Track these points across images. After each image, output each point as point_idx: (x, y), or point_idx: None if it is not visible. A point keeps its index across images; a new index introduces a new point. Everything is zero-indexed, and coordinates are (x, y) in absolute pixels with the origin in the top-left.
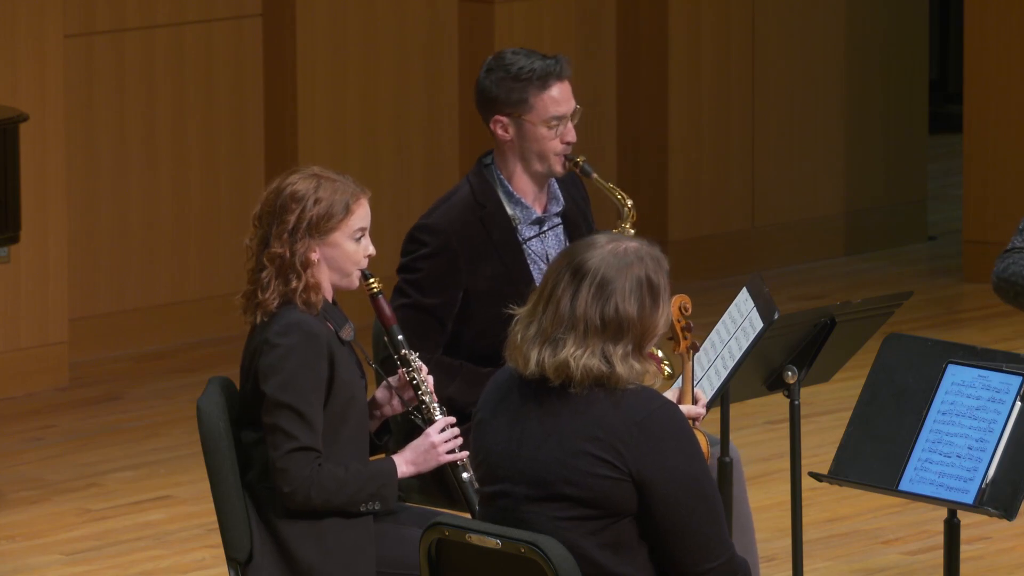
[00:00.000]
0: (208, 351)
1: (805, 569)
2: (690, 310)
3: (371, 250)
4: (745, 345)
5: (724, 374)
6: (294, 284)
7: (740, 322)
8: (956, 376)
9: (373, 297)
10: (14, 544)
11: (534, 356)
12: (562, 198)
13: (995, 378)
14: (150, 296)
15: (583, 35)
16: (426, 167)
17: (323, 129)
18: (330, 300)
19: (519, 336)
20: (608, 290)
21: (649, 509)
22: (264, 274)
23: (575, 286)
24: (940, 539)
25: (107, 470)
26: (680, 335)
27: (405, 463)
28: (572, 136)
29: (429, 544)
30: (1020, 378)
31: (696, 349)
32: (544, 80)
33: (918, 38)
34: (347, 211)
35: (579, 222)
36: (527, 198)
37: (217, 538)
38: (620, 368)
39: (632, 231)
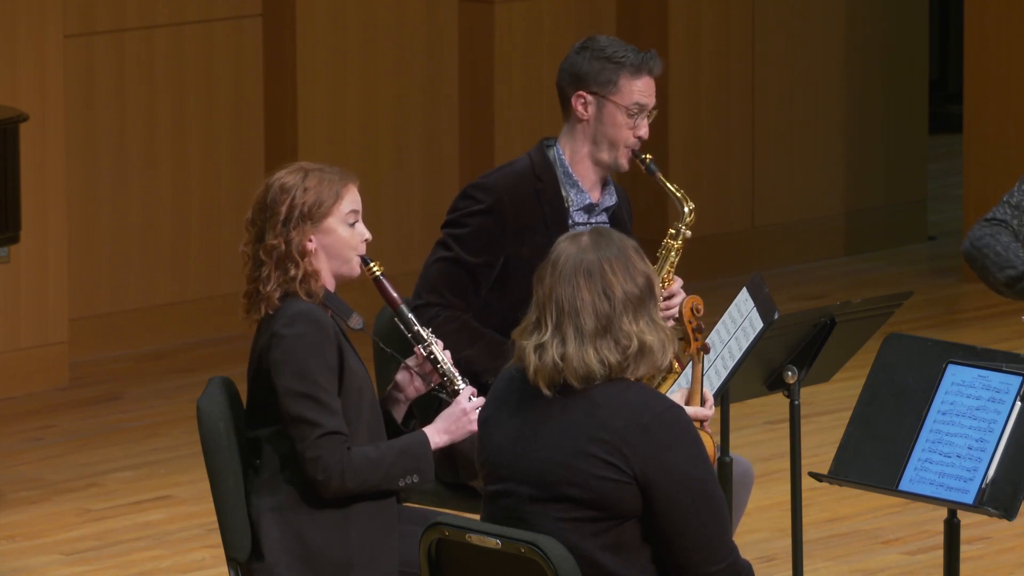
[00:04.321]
0: (208, 351)
1: (805, 569)
2: (702, 311)
3: (367, 235)
4: (745, 345)
5: (724, 374)
6: (292, 272)
7: (740, 322)
8: (956, 376)
9: (376, 280)
10: (14, 544)
11: (593, 357)
12: (616, 196)
13: (995, 378)
14: (150, 296)
15: (583, 35)
16: (426, 167)
17: (323, 129)
18: (331, 290)
19: (555, 357)
20: (630, 264)
21: (653, 511)
22: (263, 269)
23: (600, 281)
24: (940, 539)
25: (107, 470)
26: (691, 336)
27: (438, 433)
28: (645, 131)
29: (429, 544)
30: (1020, 378)
31: (707, 350)
32: (637, 68)
33: (918, 38)
34: (337, 197)
35: (622, 227)
36: (585, 183)
37: (217, 538)
38: (663, 326)
39: (689, 233)
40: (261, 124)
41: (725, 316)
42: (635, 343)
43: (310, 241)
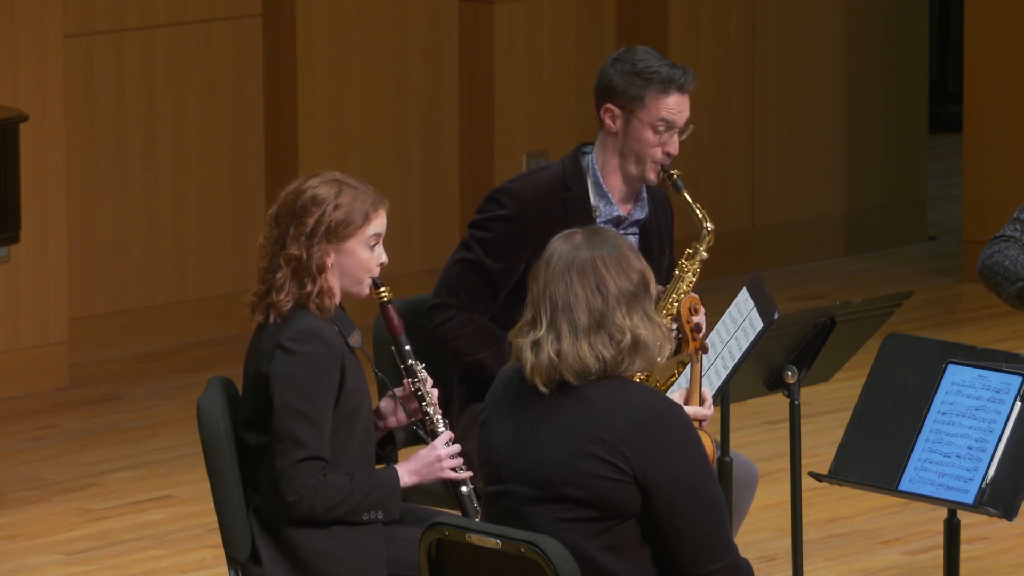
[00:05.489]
0: (208, 351)
1: (805, 569)
2: (700, 311)
3: (384, 258)
4: (745, 345)
5: (724, 374)
6: (309, 288)
7: (740, 322)
8: (956, 376)
9: (383, 306)
10: (14, 544)
11: (588, 352)
12: (647, 208)
13: (995, 378)
14: (150, 296)
15: (583, 35)
16: (426, 167)
17: (323, 129)
18: (339, 305)
19: (551, 353)
20: (624, 260)
21: (652, 511)
22: (279, 275)
23: (594, 277)
24: (940, 539)
25: (107, 470)
26: (689, 335)
27: (408, 474)
28: (675, 148)
29: (429, 544)
30: (1020, 378)
31: (705, 350)
32: (666, 85)
33: (918, 38)
34: (366, 219)
35: (654, 237)
36: (614, 195)
37: (217, 538)
38: (659, 322)
39: (705, 255)
40: (261, 124)
41: (725, 316)
42: (628, 337)
43: (329, 258)
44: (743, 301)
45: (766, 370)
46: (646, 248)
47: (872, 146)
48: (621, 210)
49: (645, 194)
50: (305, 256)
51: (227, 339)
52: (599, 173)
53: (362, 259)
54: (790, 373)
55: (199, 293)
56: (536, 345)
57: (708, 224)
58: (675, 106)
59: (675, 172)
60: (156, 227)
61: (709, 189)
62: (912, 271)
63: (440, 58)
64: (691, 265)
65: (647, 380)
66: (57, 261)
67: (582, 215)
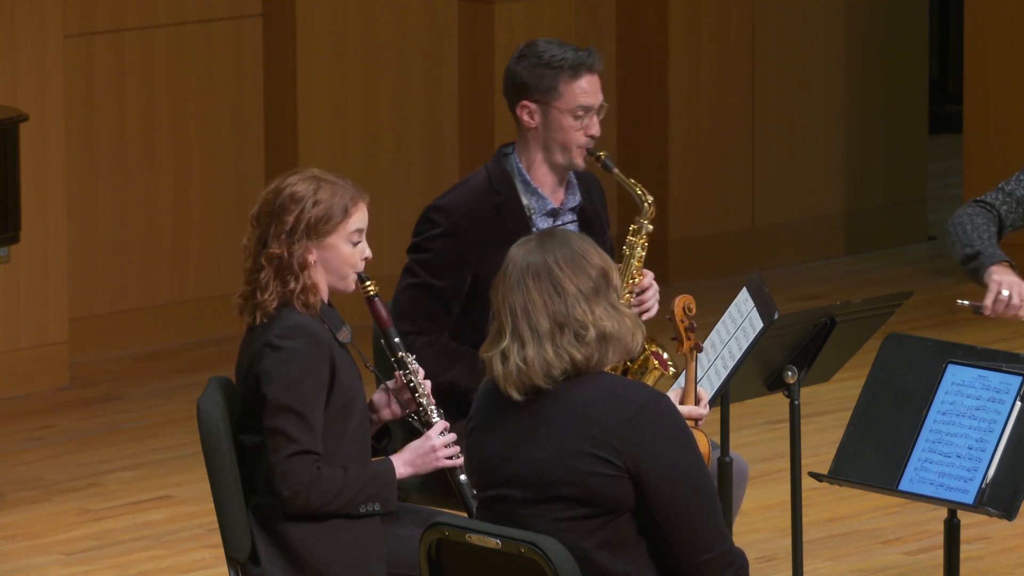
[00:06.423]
0: (208, 351)
1: (805, 569)
2: (694, 310)
3: (367, 253)
4: (745, 345)
5: (724, 374)
6: (292, 286)
7: (740, 322)
8: (956, 376)
9: (369, 300)
10: (14, 544)
11: (553, 354)
12: (580, 194)
13: (995, 378)
14: (150, 296)
15: (583, 35)
16: (426, 167)
17: (323, 129)
18: (326, 302)
19: (517, 361)
20: (579, 259)
21: (645, 503)
22: (262, 275)
23: (549, 280)
24: (940, 539)
25: (107, 470)
26: (683, 335)
27: (403, 464)
28: (596, 130)
29: (429, 544)
30: (1020, 378)
31: (700, 350)
32: (576, 70)
33: (918, 38)
34: (345, 214)
35: (594, 220)
36: (545, 189)
37: (217, 538)
38: (626, 312)
39: (651, 227)
40: (261, 124)
41: (725, 316)
42: (592, 332)
43: (311, 254)
44: (743, 301)
45: (766, 370)
46: (588, 233)
47: (872, 146)
48: (554, 201)
49: (574, 179)
50: (287, 254)
51: (227, 339)
52: (524, 171)
53: (344, 254)
54: (790, 373)
55: (199, 293)
56: (503, 355)
57: (648, 197)
58: (589, 88)
59: (602, 153)
60: (156, 227)
61: (709, 189)
62: (912, 271)
63: (440, 58)
64: (639, 240)
65: (657, 383)
66: (57, 261)
67: (515, 216)
